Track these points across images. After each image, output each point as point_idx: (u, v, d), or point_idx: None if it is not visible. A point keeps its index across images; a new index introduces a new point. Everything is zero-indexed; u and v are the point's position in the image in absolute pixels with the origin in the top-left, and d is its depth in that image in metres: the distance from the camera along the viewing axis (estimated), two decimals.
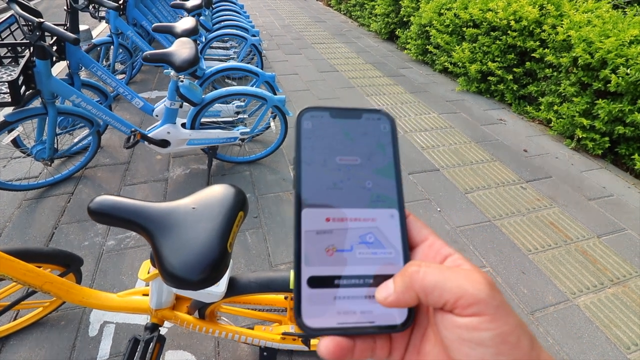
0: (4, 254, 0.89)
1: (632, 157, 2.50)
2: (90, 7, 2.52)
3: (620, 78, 2.33)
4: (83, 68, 1.99)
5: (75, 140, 2.17)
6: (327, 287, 0.24)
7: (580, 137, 2.74)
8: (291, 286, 0.98)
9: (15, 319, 1.37)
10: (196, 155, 2.44)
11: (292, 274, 0.84)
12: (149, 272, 0.86)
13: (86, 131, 2.15)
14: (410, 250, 0.27)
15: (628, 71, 2.29)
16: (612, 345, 1.47)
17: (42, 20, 1.43)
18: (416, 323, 0.26)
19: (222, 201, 0.70)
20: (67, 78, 1.95)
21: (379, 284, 0.25)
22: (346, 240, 0.26)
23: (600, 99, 2.53)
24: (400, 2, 4.66)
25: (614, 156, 2.74)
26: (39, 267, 1.03)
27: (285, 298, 1.07)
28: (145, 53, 1.62)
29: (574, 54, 2.64)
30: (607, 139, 2.62)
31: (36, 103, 1.81)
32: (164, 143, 1.98)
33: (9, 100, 1.50)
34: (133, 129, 1.88)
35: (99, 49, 2.86)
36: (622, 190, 2.42)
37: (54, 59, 1.67)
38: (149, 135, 1.93)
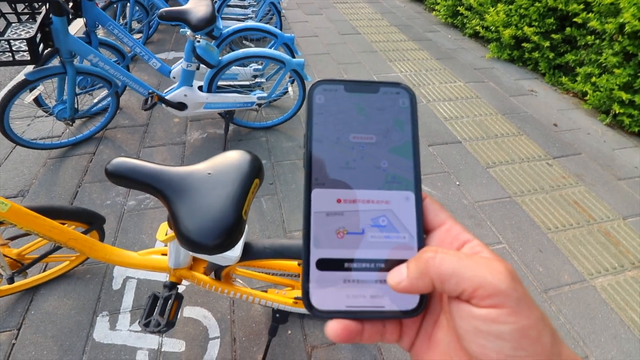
0: (30, 211, 0.93)
1: None
2: None
3: None
4: (100, 26, 1.95)
5: (95, 100, 2.18)
6: (336, 270, 0.24)
7: (617, 112, 2.55)
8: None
9: (44, 270, 1.46)
10: (213, 119, 2.42)
11: None
12: (166, 234, 0.87)
13: (105, 92, 2.15)
14: (426, 235, 0.26)
15: None
16: (626, 328, 1.45)
17: None
18: (428, 309, 0.25)
19: (238, 168, 0.68)
20: (84, 37, 1.92)
21: (391, 269, 0.24)
22: (358, 222, 0.25)
23: None
24: None
25: None
26: (64, 224, 1.07)
27: (299, 264, 1.09)
28: (160, 10, 1.57)
29: (621, 20, 2.39)
30: None
31: (55, 62, 1.81)
32: (181, 106, 1.96)
33: (28, 58, 1.49)
34: (150, 91, 1.87)
35: (115, 6, 2.79)
36: None
37: (70, 15, 1.63)
38: (166, 97, 1.91)
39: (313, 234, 0.24)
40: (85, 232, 1.22)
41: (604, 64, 2.62)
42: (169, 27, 3.63)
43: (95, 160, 2.04)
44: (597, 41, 2.68)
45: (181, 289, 1.44)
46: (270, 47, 2.25)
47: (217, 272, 1.08)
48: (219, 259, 0.86)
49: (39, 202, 1.71)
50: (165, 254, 1.12)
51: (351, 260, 0.24)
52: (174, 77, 2.20)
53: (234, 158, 0.71)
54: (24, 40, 1.48)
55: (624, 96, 2.44)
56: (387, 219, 0.25)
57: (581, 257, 1.72)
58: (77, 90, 1.94)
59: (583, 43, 2.81)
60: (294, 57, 2.21)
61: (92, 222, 1.26)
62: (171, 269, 1.04)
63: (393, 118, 0.26)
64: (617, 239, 1.82)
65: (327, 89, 0.26)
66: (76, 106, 1.91)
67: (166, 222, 0.90)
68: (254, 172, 0.69)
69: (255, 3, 3.30)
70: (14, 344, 1.26)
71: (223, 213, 0.62)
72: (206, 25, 1.55)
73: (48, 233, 0.96)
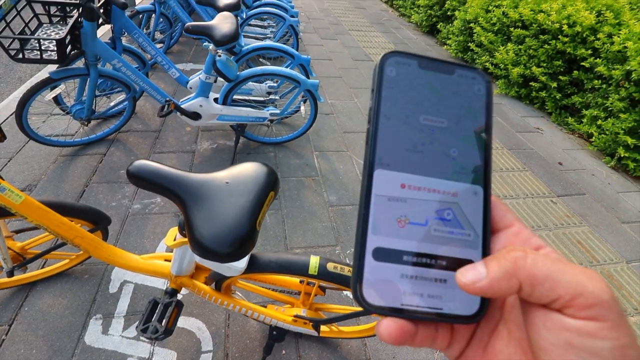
0: (42, 205, 0.94)
1: None
2: None
3: None
4: (125, 34, 2.03)
5: (112, 103, 2.23)
6: (394, 262, 0.22)
7: (621, 156, 2.58)
8: (311, 271, 0.97)
9: (43, 267, 1.45)
10: (224, 131, 2.46)
11: (312, 259, 0.83)
12: (175, 239, 0.88)
13: (122, 96, 2.20)
14: (491, 236, 0.23)
15: None
16: None
17: None
18: (485, 316, 0.23)
19: (255, 179, 0.70)
20: (109, 42, 1.99)
21: (452, 268, 0.22)
22: (421, 212, 0.23)
23: None
24: None
25: None
26: (71, 221, 1.08)
27: (301, 282, 1.08)
28: (187, 24, 1.63)
29: (628, 67, 2.46)
30: None
31: (79, 64, 1.87)
32: (195, 115, 2.01)
33: (56, 58, 1.55)
34: (168, 99, 1.92)
35: (140, 16, 2.91)
36: None
37: (100, 21, 1.70)
38: (182, 106, 1.96)
39: (372, 218, 0.22)
40: (90, 231, 1.22)
41: (610, 108, 2.68)
42: (189, 39, 3.76)
43: (105, 161, 2.06)
44: (604, 85, 2.75)
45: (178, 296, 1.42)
46: (287, 67, 2.32)
47: (218, 282, 1.07)
48: (224, 268, 0.86)
49: (48, 197, 1.72)
50: (168, 260, 1.12)
51: (411, 254, 0.22)
52: (190, 88, 2.26)
53: (251, 169, 0.72)
54: (53, 41, 1.54)
55: (630, 140, 2.47)
56: (453, 213, 0.23)
57: None
58: (97, 92, 2.00)
59: (590, 86, 2.89)
60: (308, 77, 2.27)
61: (99, 222, 1.26)
62: (173, 276, 1.03)
63: (467, 104, 0.24)
64: (620, 282, 1.80)
65: (401, 62, 0.24)
66: (94, 107, 1.96)
67: (176, 227, 0.90)
68: (270, 184, 0.71)
69: (274, 24, 3.43)
70: (3, 339, 1.24)
71: (238, 222, 0.63)
72: (229, 42, 1.62)
73: (56, 229, 0.96)
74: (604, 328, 0.17)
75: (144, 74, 2.16)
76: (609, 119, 2.68)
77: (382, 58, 0.24)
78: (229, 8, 1.89)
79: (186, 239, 0.85)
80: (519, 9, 3.29)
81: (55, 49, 1.52)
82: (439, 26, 4.82)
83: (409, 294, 0.22)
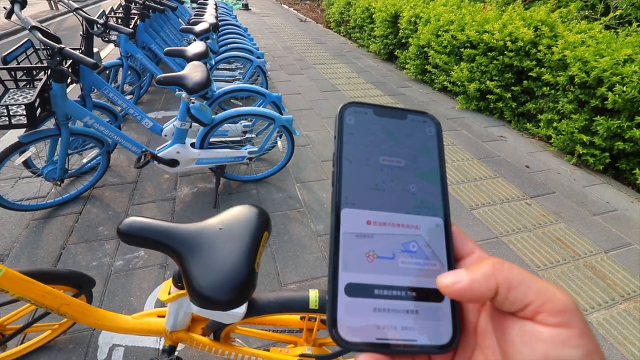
0: (25, 276, 0.89)
1: (633, 172, 2.53)
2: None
3: (617, 95, 2.40)
4: (95, 90, 2.04)
5: (84, 160, 2.19)
6: (366, 296, 0.22)
7: (580, 153, 2.78)
8: (311, 305, 0.97)
9: (22, 342, 1.35)
10: (203, 174, 2.46)
11: (311, 293, 0.84)
12: (169, 293, 0.86)
13: (95, 151, 2.17)
14: (455, 264, 0.25)
15: (624, 89, 2.35)
16: None
17: (62, 46, 1.48)
18: (460, 344, 0.23)
19: (247, 222, 0.71)
20: (79, 100, 1.99)
21: (422, 298, 0.23)
22: (388, 246, 0.24)
23: (598, 116, 2.59)
24: (399, 24, 4.82)
25: (615, 171, 2.77)
26: (53, 288, 1.02)
27: (301, 318, 1.06)
28: (158, 77, 1.67)
29: (570, 73, 2.72)
30: (607, 154, 2.66)
31: (48, 124, 1.85)
32: (173, 162, 2.00)
33: (25, 122, 1.53)
34: (144, 149, 1.91)
35: (107, 72, 2.93)
36: (625, 205, 2.44)
37: (68, 81, 1.71)
38: (159, 155, 1.95)
39: (342, 256, 0.23)
40: (74, 297, 1.16)
41: (562, 111, 2.91)
42: (158, 88, 3.80)
43: (81, 219, 1.99)
44: (552, 91, 3.00)
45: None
46: (259, 105, 2.38)
47: (217, 332, 1.04)
48: (224, 316, 0.84)
49: (24, 266, 1.63)
50: (161, 316, 1.08)
51: (382, 287, 0.23)
52: (165, 135, 2.27)
53: (242, 213, 0.73)
54: (22, 105, 1.53)
55: (585, 138, 2.68)
56: (418, 245, 0.24)
57: (573, 293, 1.75)
58: (69, 151, 1.96)
59: (540, 93, 3.14)
60: (281, 113, 2.34)
61: (82, 285, 1.20)
62: (168, 332, 0.99)
63: (420, 144, 0.27)
64: (604, 272, 1.88)
65: (358, 111, 0.26)
66: (66, 166, 1.91)
67: (169, 281, 0.88)
68: (263, 225, 0.72)
69: (242, 65, 3.55)
70: None
71: (236, 267, 0.63)
72: (202, 89, 1.66)
73: (41, 299, 0.91)
74: (574, 335, 0.18)
75: (116, 127, 2.15)
76: (562, 120, 2.90)
77: (341, 108, 0.26)
78: (198, 57, 1.96)
79: (182, 292, 0.83)
80: (465, 32, 3.59)
81: (25, 113, 1.50)
82: (396, 53, 5.14)
83: (383, 328, 0.22)
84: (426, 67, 4.34)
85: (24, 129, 1.70)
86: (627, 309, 1.69)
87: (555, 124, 2.96)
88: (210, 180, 2.39)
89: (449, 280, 0.21)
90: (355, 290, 0.22)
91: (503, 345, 0.21)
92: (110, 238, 1.88)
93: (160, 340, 1.43)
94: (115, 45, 2.73)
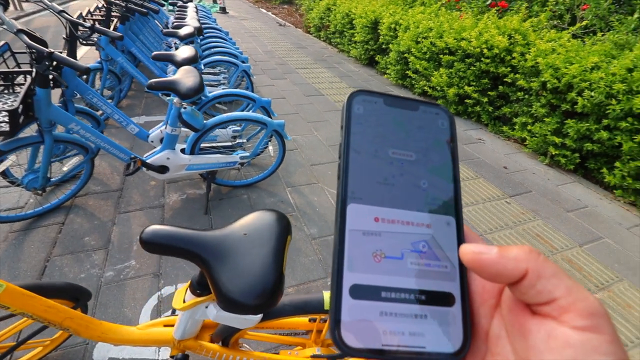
0: (26, 290, 0.86)
1: (601, 171, 2.73)
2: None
3: (586, 100, 2.58)
4: (77, 95, 1.96)
5: (68, 167, 2.10)
6: (372, 299, 0.21)
7: (553, 154, 2.96)
8: (326, 307, 0.99)
9: None
10: (191, 180, 2.41)
11: (325, 294, 0.86)
12: (184, 302, 0.85)
13: (78, 158, 2.08)
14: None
15: (592, 94, 2.54)
16: None
17: (52, 50, 1.43)
18: (470, 351, 0.22)
19: (271, 226, 0.72)
20: (61, 105, 1.91)
21: (432, 302, 0.21)
22: (397, 245, 0.22)
23: (569, 119, 2.77)
24: (379, 31, 4.94)
25: (584, 170, 2.98)
26: None
27: (311, 320, 1.08)
28: (150, 82, 1.64)
29: (542, 79, 2.90)
30: (577, 155, 2.85)
31: (28, 131, 1.76)
32: (162, 169, 1.96)
33: (7, 129, 1.45)
34: (133, 156, 1.86)
35: (85, 76, 2.82)
36: (595, 202, 2.63)
37: (52, 85, 1.64)
38: (148, 161, 1.91)
39: (347, 255, 0.21)
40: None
41: (535, 114, 3.09)
42: (138, 92, 3.69)
43: (65, 230, 1.90)
44: (526, 96, 3.19)
45: None
46: (247, 110, 2.38)
47: (226, 339, 1.03)
48: (242, 321, 0.85)
49: (20, 281, 1.54)
50: (168, 325, 1.06)
51: (390, 289, 0.21)
52: (152, 141, 2.21)
53: (264, 218, 0.74)
54: (3, 112, 1.45)
55: (556, 140, 2.86)
56: (428, 245, 0.23)
57: None
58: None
59: (515, 98, 3.32)
60: (271, 118, 2.35)
61: (79, 297, 1.16)
62: (176, 341, 0.98)
63: (432, 137, 0.25)
64: (580, 265, 2.01)
65: (367, 100, 0.25)
66: (49, 175, 1.83)
67: (182, 289, 0.87)
68: (286, 228, 0.73)
69: (225, 70, 3.51)
70: None
71: (266, 272, 0.65)
72: (195, 94, 1.64)
73: (43, 314, 0.88)
74: (604, 341, 0.17)
75: (100, 133, 2.08)
76: (536, 123, 3.08)
77: (350, 96, 0.25)
78: (188, 62, 1.93)
79: (200, 299, 0.83)
80: (444, 39, 3.74)
81: (7, 120, 1.43)
82: (377, 58, 5.26)
83: (390, 333, 0.20)
84: (406, 72, 4.48)
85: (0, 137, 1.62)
86: (602, 297, 1.81)
87: (529, 127, 3.14)
88: (200, 187, 2.35)
89: (475, 248, 0.20)
90: (361, 292, 0.21)
91: (522, 351, 0.19)
92: (98, 248, 1.81)
93: (159, 351, 1.39)
94: (96, 49, 2.64)
